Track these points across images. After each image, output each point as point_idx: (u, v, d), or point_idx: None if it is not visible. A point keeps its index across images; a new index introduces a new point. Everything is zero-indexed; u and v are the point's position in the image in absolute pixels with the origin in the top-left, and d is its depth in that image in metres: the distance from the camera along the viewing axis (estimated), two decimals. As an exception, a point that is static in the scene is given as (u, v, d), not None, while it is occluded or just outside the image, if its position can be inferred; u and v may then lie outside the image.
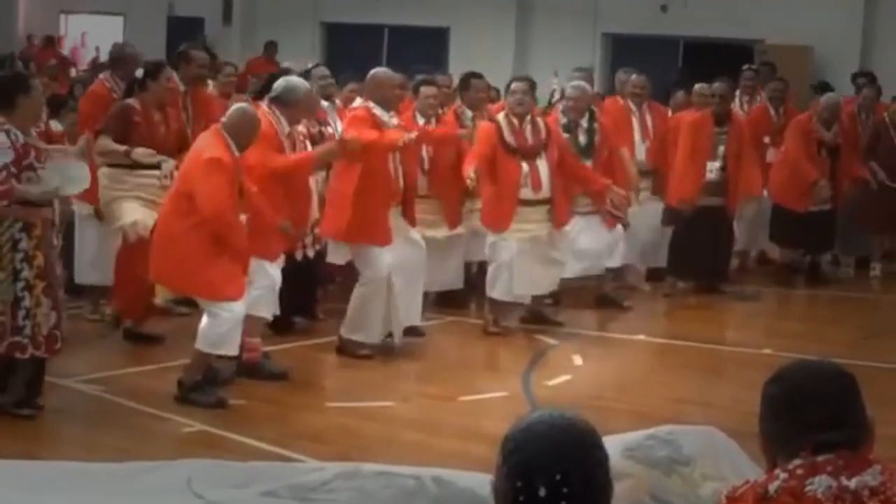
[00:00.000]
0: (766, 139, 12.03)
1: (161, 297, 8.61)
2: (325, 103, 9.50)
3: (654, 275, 11.33)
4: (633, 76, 11.33)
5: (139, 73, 8.76)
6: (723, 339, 9.89)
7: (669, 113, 11.68)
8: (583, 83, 10.34)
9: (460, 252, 9.93)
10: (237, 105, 7.79)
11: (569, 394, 7.82)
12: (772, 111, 12.33)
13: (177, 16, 22.69)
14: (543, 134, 9.21)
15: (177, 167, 8.15)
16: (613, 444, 4.45)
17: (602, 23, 19.22)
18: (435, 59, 17.59)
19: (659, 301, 10.92)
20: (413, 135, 8.44)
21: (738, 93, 12.49)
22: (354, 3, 20.74)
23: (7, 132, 6.51)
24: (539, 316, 9.65)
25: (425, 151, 9.47)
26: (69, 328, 7.00)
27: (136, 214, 8.46)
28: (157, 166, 8.50)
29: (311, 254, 8.81)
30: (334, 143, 8.39)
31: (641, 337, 9.65)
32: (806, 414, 2.79)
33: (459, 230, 9.78)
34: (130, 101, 8.58)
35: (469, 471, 5.39)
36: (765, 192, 11.73)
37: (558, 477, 2.17)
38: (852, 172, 11.94)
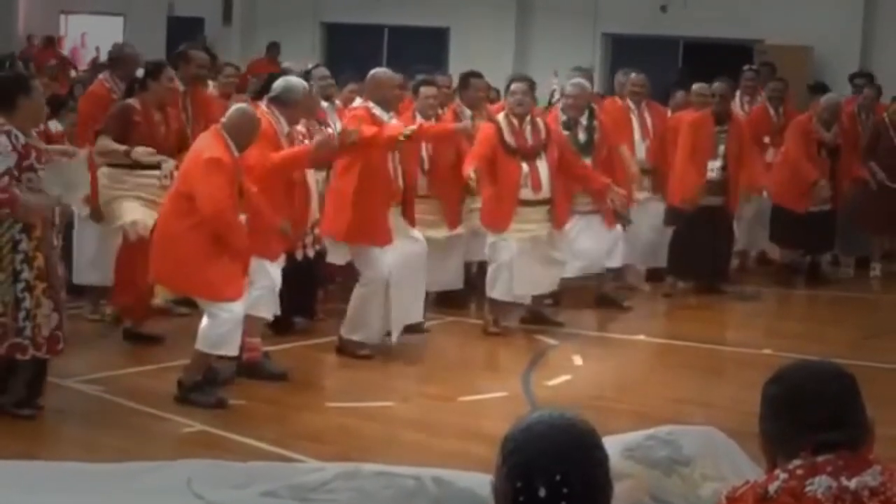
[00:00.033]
0: (766, 139, 12.04)
1: (161, 297, 8.61)
2: (324, 104, 9.50)
3: (654, 275, 11.33)
4: (633, 75, 11.34)
5: (140, 72, 8.77)
6: (723, 339, 9.88)
7: (669, 113, 11.69)
8: (582, 80, 10.35)
9: (460, 252, 9.93)
10: (237, 105, 7.80)
11: (569, 394, 7.82)
12: (771, 111, 12.34)
13: (177, 16, 22.69)
14: (543, 134, 9.21)
15: (177, 167, 8.15)
16: (613, 445, 4.45)
17: (602, 23, 19.22)
18: (435, 59, 17.58)
19: (659, 301, 10.92)
20: (413, 128, 8.45)
21: (738, 93, 12.50)
22: (354, 3, 20.74)
23: (8, 134, 6.49)
24: (539, 316, 9.65)
25: (425, 151, 9.48)
26: (69, 328, 6.99)
27: (136, 214, 8.46)
28: (157, 166, 8.50)
29: (311, 254, 8.81)
30: (332, 135, 8.37)
31: (641, 337, 9.65)
32: (806, 414, 2.79)
33: (459, 230, 9.78)
34: (131, 100, 8.58)
35: (469, 471, 5.39)
36: (765, 193, 11.74)
37: (558, 477, 2.17)
38: (852, 173, 11.95)
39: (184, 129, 8.90)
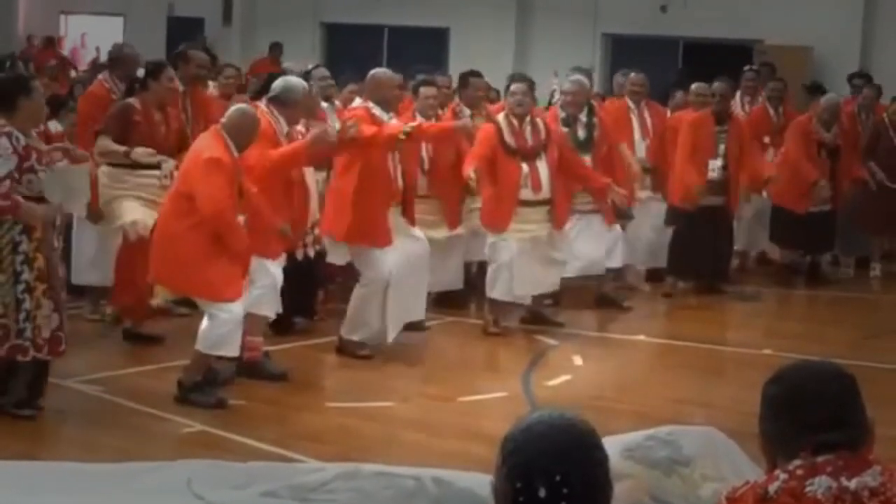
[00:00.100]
0: (766, 139, 12.04)
1: (161, 297, 8.61)
2: (324, 104, 9.50)
3: (654, 275, 11.33)
4: (632, 74, 11.34)
5: (140, 72, 8.76)
6: (723, 339, 9.88)
7: (668, 113, 11.69)
8: (581, 77, 10.35)
9: (460, 252, 9.94)
10: (236, 105, 7.80)
11: (569, 394, 7.82)
12: (771, 111, 12.34)
13: (177, 16, 22.69)
14: (543, 134, 9.21)
15: (177, 167, 8.15)
16: (613, 445, 4.45)
17: (602, 23, 19.23)
18: (435, 59, 17.59)
19: (659, 301, 10.92)
20: (413, 125, 8.45)
21: (738, 93, 12.50)
22: (354, 3, 20.74)
23: (9, 135, 6.49)
24: (539, 316, 9.65)
25: (425, 151, 9.48)
26: (69, 328, 6.99)
27: (136, 214, 8.46)
28: (157, 166, 8.50)
29: (311, 253, 8.82)
30: (330, 128, 8.34)
31: (641, 337, 9.65)
32: (806, 414, 2.79)
33: (459, 230, 9.78)
34: (131, 100, 8.58)
35: (469, 471, 5.40)
36: (764, 193, 11.75)
37: (558, 477, 2.17)
38: (852, 173, 11.95)
39: (184, 129, 8.90)
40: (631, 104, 11.17)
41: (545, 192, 9.13)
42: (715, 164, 10.72)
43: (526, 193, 9.07)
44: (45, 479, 5.57)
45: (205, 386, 7.30)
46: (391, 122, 8.43)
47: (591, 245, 9.99)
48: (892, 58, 16.37)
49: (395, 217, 8.48)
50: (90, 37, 24.01)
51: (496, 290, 9.18)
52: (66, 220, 7.63)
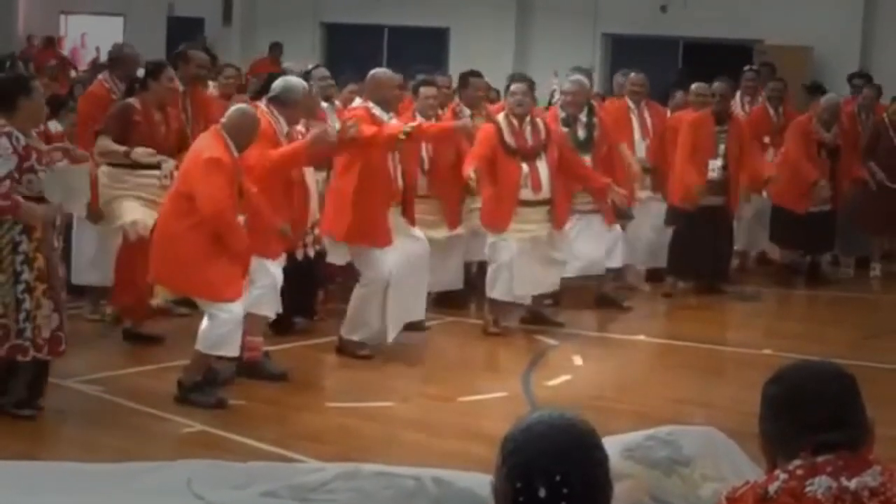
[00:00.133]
0: (766, 139, 12.04)
1: (161, 297, 8.61)
2: (324, 104, 9.50)
3: (654, 275, 11.33)
4: (632, 74, 11.35)
5: (140, 72, 8.76)
6: (723, 339, 9.88)
7: (668, 113, 11.69)
8: (581, 77, 10.35)
9: (460, 252, 9.94)
10: (236, 105, 7.80)
11: (569, 394, 7.82)
12: (771, 111, 12.34)
13: (177, 16, 22.69)
14: (543, 134, 9.21)
15: (177, 167, 8.15)
16: (613, 445, 4.45)
17: (602, 23, 19.23)
18: (435, 59, 17.59)
19: (659, 301, 10.92)
20: (413, 125, 8.45)
21: (738, 93, 12.50)
22: (354, 3, 20.74)
23: (9, 136, 6.49)
24: (539, 316, 9.65)
25: (425, 151, 9.48)
26: (69, 328, 6.99)
27: (136, 214, 8.47)
28: (157, 166, 8.50)
29: (311, 253, 8.82)
30: (330, 127, 8.34)
31: (641, 337, 9.65)
32: (806, 414, 2.79)
33: (459, 230, 9.78)
34: (131, 100, 8.58)
35: (469, 471, 5.40)
36: (764, 193, 11.75)
37: (558, 477, 2.17)
38: (852, 173, 11.95)
39: (184, 129, 8.90)
40: (631, 104, 11.17)
41: (545, 192, 9.14)
42: (715, 164, 10.72)
43: (526, 193, 9.07)
44: (45, 479, 5.57)
45: (205, 386, 7.30)
46: (391, 122, 8.43)
47: (591, 245, 9.99)
48: (892, 58, 16.37)
49: (395, 217, 8.48)
50: (90, 37, 24.01)
51: (496, 290, 9.18)
52: (66, 220, 7.62)
